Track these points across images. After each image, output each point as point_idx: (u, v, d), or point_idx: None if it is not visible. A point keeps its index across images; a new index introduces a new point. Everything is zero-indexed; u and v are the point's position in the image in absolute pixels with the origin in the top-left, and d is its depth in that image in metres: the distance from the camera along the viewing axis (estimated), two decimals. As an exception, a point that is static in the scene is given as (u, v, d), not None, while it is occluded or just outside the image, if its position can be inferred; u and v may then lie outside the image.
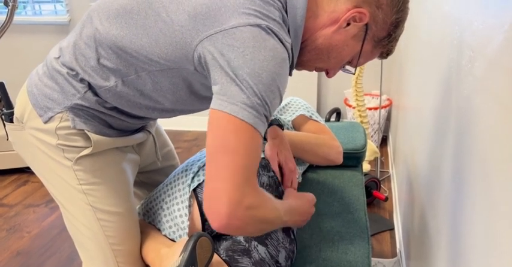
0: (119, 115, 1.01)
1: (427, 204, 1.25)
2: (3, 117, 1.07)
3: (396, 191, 2.38)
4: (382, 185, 2.62)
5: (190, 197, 1.06)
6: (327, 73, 1.02)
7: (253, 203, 0.78)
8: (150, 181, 1.33)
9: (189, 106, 0.98)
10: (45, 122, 0.98)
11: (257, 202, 0.79)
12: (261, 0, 0.82)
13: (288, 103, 1.51)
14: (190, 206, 1.06)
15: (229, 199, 0.75)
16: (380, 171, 2.77)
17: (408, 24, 2.25)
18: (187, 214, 1.06)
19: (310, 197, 1.10)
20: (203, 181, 1.06)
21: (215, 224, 0.77)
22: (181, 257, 0.90)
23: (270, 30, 0.80)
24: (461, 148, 0.86)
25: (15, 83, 3.48)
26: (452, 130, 0.97)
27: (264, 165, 1.13)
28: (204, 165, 1.10)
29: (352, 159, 1.61)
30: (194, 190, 1.07)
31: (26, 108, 0.99)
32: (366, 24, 0.90)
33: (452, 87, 1.00)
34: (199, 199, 1.06)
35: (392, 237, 2.17)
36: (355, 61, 0.97)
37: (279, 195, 1.10)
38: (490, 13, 0.72)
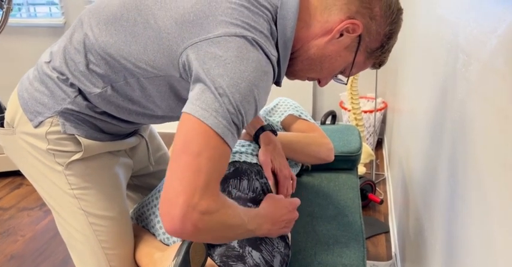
0: (110, 120, 1.00)
1: (422, 207, 1.25)
2: None
3: (391, 194, 2.38)
4: (377, 188, 2.62)
5: None
6: (319, 83, 1.01)
7: (210, 208, 0.75)
8: (144, 184, 1.33)
9: (178, 113, 0.96)
10: (36, 127, 0.97)
11: (215, 207, 0.76)
12: (250, 11, 0.82)
13: (277, 105, 1.50)
14: None
15: (184, 201, 0.72)
16: (375, 174, 2.78)
17: (403, 28, 2.26)
18: None
19: (287, 202, 1.02)
20: None
21: (167, 227, 0.74)
22: (174, 261, 0.90)
23: (256, 42, 0.80)
24: (456, 151, 0.87)
25: (8, 86, 3.47)
26: (446, 133, 0.97)
27: (257, 171, 1.12)
28: None
29: (348, 162, 1.61)
30: None
31: (17, 112, 0.99)
32: (359, 35, 0.90)
33: (446, 90, 1.01)
34: None
35: (388, 240, 2.17)
36: (348, 72, 0.97)
37: None
38: (484, 17, 0.73)
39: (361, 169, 2.54)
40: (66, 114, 0.96)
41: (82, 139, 0.98)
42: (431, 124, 1.19)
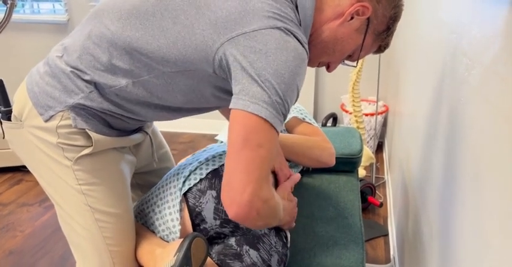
0: (120, 115, 1.01)
1: (422, 210, 1.25)
2: (0, 115, 1.07)
3: (391, 197, 2.38)
4: (377, 191, 2.62)
5: (181, 201, 1.06)
6: (328, 68, 1.05)
7: (268, 197, 0.84)
8: (145, 182, 1.33)
9: (196, 105, 1.00)
10: (46, 120, 0.97)
11: (271, 196, 0.85)
12: (278, 2, 0.86)
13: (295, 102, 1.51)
14: (181, 210, 1.06)
15: (251, 189, 0.80)
16: (375, 177, 2.78)
17: (406, 32, 2.26)
18: (179, 218, 1.05)
19: (291, 197, 1.13)
20: (194, 185, 1.06)
21: (233, 212, 0.81)
22: (175, 256, 0.90)
23: (289, 31, 0.84)
24: (456, 156, 0.87)
25: (12, 81, 3.47)
26: (447, 137, 0.98)
27: None
28: (195, 169, 1.09)
29: (348, 164, 1.61)
30: (185, 194, 1.06)
31: (26, 106, 0.99)
32: (368, 18, 0.95)
33: (448, 94, 1.01)
34: (190, 203, 1.05)
35: (387, 243, 2.17)
36: (357, 54, 1.02)
37: None
38: (487, 21, 0.73)
39: (362, 172, 2.55)
40: (77, 109, 0.96)
41: (92, 134, 0.99)
42: (432, 127, 1.19)
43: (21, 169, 2.89)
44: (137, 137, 1.12)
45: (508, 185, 0.56)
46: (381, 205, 2.32)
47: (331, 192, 1.46)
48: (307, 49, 0.88)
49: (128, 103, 0.97)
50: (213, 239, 1.07)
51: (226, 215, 1.03)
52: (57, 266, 2.00)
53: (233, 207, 0.81)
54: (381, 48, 1.05)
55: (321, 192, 1.47)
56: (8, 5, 2.63)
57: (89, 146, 1.00)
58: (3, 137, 1.07)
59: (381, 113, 3.00)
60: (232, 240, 1.03)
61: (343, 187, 1.50)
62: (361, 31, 0.97)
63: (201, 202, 1.04)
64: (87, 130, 0.98)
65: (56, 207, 1.08)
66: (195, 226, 1.05)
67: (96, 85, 0.95)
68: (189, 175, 1.08)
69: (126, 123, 1.04)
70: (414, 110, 1.63)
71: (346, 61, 1.07)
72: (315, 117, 3.39)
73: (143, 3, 0.89)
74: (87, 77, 0.94)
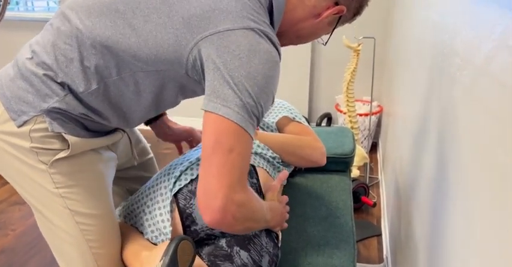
0: (97, 118, 0.98)
1: (415, 211, 1.26)
2: None
3: (384, 198, 2.39)
4: (370, 191, 2.63)
5: (171, 202, 1.05)
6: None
7: (243, 200, 0.82)
8: (127, 176, 1.32)
9: (169, 106, 1.01)
10: (19, 126, 0.93)
11: (246, 199, 0.83)
12: (252, 2, 0.85)
13: (271, 105, 1.51)
14: (172, 211, 1.05)
15: (223, 194, 0.79)
16: (369, 177, 2.78)
17: (399, 32, 2.26)
18: (170, 219, 1.04)
19: (280, 198, 1.13)
20: (185, 185, 1.05)
21: (209, 219, 0.80)
22: (162, 261, 0.89)
23: (262, 33, 0.83)
24: (448, 156, 0.87)
25: (5, 79, 3.46)
26: (439, 137, 0.98)
27: (249, 171, 1.12)
28: (186, 169, 1.08)
29: (341, 164, 1.61)
30: (176, 194, 1.05)
31: None
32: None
33: (441, 94, 1.01)
34: (180, 204, 1.04)
35: (380, 243, 2.18)
36: (328, 38, 1.11)
37: None
38: (480, 22, 0.73)
39: (355, 172, 2.55)
40: (53, 113, 0.93)
41: (69, 137, 0.95)
42: (424, 128, 1.19)
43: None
44: (114, 136, 1.09)
45: (500, 186, 0.56)
46: (374, 204, 2.33)
47: (324, 192, 1.46)
48: (280, 51, 0.88)
49: (103, 107, 0.95)
50: (203, 241, 1.06)
51: None
52: (49, 265, 1.99)
53: (207, 213, 0.80)
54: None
55: (313, 192, 1.47)
56: (2, 2, 2.61)
57: (65, 149, 0.96)
58: None
59: (375, 113, 3.01)
60: (222, 242, 1.03)
61: (335, 186, 1.50)
62: (332, 23, 1.02)
63: (191, 204, 1.03)
64: (63, 134, 0.95)
65: (35, 213, 1.04)
66: (185, 227, 1.04)
67: (69, 88, 0.92)
68: (179, 176, 1.07)
69: (102, 125, 1.02)
70: (407, 110, 1.63)
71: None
72: (310, 117, 3.39)
73: (114, 2, 0.87)
74: (59, 79, 0.91)
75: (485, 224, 0.60)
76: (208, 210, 0.80)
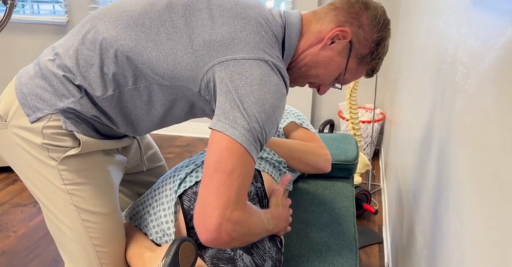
0: (108, 123, 1.01)
1: (416, 219, 1.25)
2: None
3: (386, 205, 2.38)
4: (372, 198, 2.62)
5: (176, 203, 1.06)
6: (318, 90, 1.10)
7: (241, 218, 0.83)
8: (137, 180, 1.33)
9: (175, 121, 1.04)
10: (33, 122, 0.96)
11: (244, 217, 0.84)
12: (268, 35, 0.92)
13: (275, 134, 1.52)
14: (176, 212, 1.06)
15: (219, 214, 0.80)
16: (371, 184, 2.78)
17: (402, 40, 2.27)
18: (173, 220, 1.05)
19: (284, 202, 1.13)
20: (189, 187, 1.06)
21: (204, 238, 0.82)
22: (163, 261, 0.90)
23: (275, 66, 0.90)
24: (451, 165, 0.87)
25: (9, 81, 3.47)
26: (442, 146, 0.98)
27: (254, 175, 1.12)
28: (191, 171, 1.10)
29: (344, 171, 1.61)
30: (180, 196, 1.06)
31: (12, 106, 0.98)
32: (350, 42, 1.00)
33: (444, 103, 1.01)
34: (185, 206, 1.05)
35: (381, 251, 2.17)
36: (342, 77, 1.06)
37: (263, 206, 1.10)
38: (484, 30, 0.73)
39: (357, 179, 2.55)
40: (67, 113, 0.96)
41: (80, 136, 0.98)
42: (427, 136, 1.19)
43: (16, 170, 2.88)
44: (125, 140, 1.13)
45: (504, 195, 0.56)
46: (376, 212, 2.32)
47: (326, 198, 1.46)
48: (288, 85, 0.94)
49: (112, 114, 0.99)
50: None
51: None
52: (50, 268, 1.99)
53: (203, 232, 0.82)
54: (368, 72, 1.08)
55: (316, 198, 1.47)
56: (8, 5, 2.63)
57: (76, 147, 0.99)
58: None
59: (378, 121, 3.01)
60: None
61: (338, 193, 1.50)
62: (343, 55, 1.01)
63: (195, 205, 1.03)
64: (75, 132, 0.98)
65: (42, 208, 1.07)
66: (189, 229, 1.05)
67: (86, 91, 0.96)
68: (185, 178, 1.08)
69: (112, 130, 1.05)
70: (410, 118, 1.63)
71: (336, 85, 1.11)
72: (312, 123, 3.39)
73: (141, 16, 0.93)
74: (77, 82, 0.95)
75: (489, 232, 0.60)
76: (203, 230, 0.81)
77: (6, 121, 0.99)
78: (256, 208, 0.93)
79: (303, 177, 1.57)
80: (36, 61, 1.01)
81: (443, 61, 1.10)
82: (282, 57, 0.98)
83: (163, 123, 1.03)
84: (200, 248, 1.06)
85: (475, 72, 0.76)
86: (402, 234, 1.55)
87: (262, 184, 1.11)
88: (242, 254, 1.01)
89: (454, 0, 1.06)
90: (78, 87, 0.95)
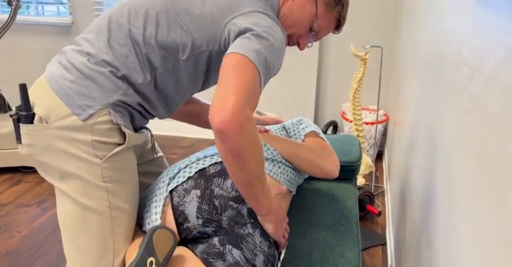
0: (149, 108, 1.10)
1: (420, 220, 1.25)
2: (19, 118, 1.03)
3: (390, 206, 2.38)
4: (376, 200, 2.62)
5: (166, 197, 1.10)
6: (299, 45, 1.22)
7: (250, 120, 0.89)
8: (145, 170, 1.36)
9: (195, 90, 1.16)
10: (84, 119, 1.00)
11: (252, 124, 0.90)
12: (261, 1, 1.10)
13: (302, 119, 1.58)
14: (164, 205, 1.09)
15: (236, 99, 0.87)
16: (374, 186, 2.77)
17: (406, 41, 2.27)
18: (161, 212, 1.09)
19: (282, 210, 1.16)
20: (181, 183, 1.10)
21: (218, 117, 0.87)
22: (139, 248, 0.94)
23: (274, 20, 1.06)
24: (455, 166, 0.87)
25: (15, 82, 3.48)
26: (446, 147, 0.98)
27: None
28: (185, 167, 1.15)
29: (347, 172, 1.61)
30: (171, 192, 1.10)
31: (55, 108, 1.00)
32: None
33: (448, 104, 1.01)
34: (174, 202, 1.08)
35: (384, 252, 2.17)
36: (316, 25, 1.17)
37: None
38: (488, 31, 0.73)
39: (361, 180, 2.54)
40: (116, 105, 1.02)
41: (126, 130, 1.04)
42: (431, 137, 1.19)
43: (21, 170, 2.89)
44: (146, 133, 1.19)
45: (510, 196, 0.56)
46: (379, 213, 2.32)
47: (329, 199, 1.46)
48: (285, 35, 1.09)
49: (152, 98, 1.08)
50: (197, 239, 1.10)
51: (208, 214, 1.06)
52: (53, 268, 1.99)
53: (219, 112, 0.87)
54: (337, 18, 1.19)
55: (319, 199, 1.47)
56: (13, 6, 2.65)
57: (121, 144, 1.05)
58: (20, 142, 1.05)
59: (381, 122, 3.00)
60: (215, 240, 1.06)
61: (341, 194, 1.50)
62: (311, 2, 1.14)
63: (184, 201, 1.07)
64: (121, 126, 1.03)
65: (70, 205, 1.06)
66: (178, 225, 1.08)
67: (129, 81, 1.04)
68: (178, 172, 1.13)
69: (144, 119, 1.13)
70: (414, 119, 1.63)
71: (309, 44, 1.23)
72: (316, 124, 3.39)
73: (154, 6, 1.06)
74: (120, 73, 1.03)
75: (493, 235, 0.60)
76: (221, 109, 0.87)
77: (47, 122, 1.01)
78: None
79: (306, 178, 1.57)
80: (69, 65, 1.04)
81: (447, 62, 1.09)
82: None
83: (193, 91, 1.16)
84: (191, 244, 1.09)
85: (479, 73, 0.76)
86: (405, 236, 1.54)
87: None
88: (231, 249, 1.03)
89: (458, 0, 1.06)
90: (121, 78, 1.03)
